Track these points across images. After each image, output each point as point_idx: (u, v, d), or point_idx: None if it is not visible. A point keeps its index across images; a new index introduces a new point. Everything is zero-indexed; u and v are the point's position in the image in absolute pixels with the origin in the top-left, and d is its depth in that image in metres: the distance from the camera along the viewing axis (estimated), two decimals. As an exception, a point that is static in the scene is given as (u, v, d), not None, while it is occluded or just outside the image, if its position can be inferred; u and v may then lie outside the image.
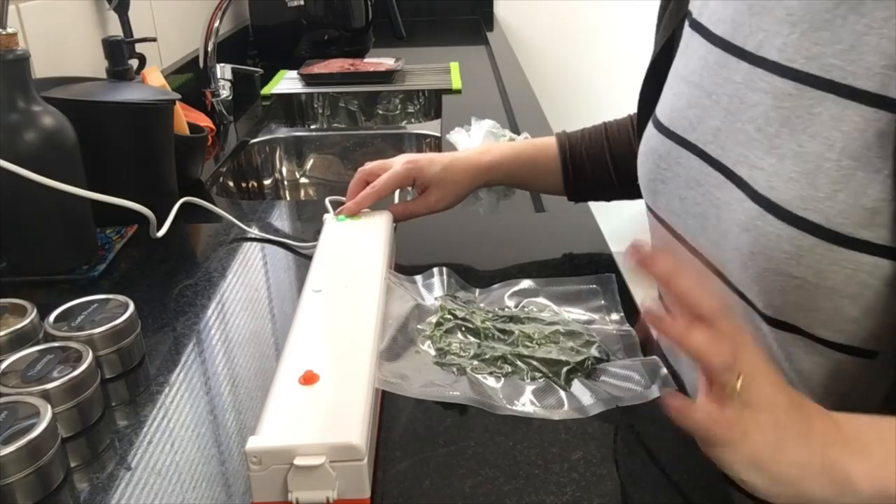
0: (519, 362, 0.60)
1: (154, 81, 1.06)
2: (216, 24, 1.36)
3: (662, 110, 0.60)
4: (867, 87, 0.43)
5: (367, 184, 0.78)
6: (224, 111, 1.38)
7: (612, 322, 0.67)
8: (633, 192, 0.80)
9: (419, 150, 1.38)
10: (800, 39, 0.46)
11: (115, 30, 1.16)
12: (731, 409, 0.41)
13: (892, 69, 0.42)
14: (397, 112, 1.64)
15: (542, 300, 0.70)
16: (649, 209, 0.63)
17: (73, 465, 0.53)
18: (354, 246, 0.71)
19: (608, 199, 0.84)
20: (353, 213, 0.77)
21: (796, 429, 0.41)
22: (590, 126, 0.84)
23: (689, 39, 0.57)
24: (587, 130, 0.83)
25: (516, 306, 0.69)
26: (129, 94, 0.90)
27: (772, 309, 0.49)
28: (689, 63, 0.57)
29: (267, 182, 1.38)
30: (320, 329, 0.58)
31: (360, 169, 0.80)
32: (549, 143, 0.83)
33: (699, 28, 0.56)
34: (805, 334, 0.48)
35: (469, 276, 0.74)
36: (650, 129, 0.61)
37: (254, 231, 0.88)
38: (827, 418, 0.43)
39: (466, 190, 0.80)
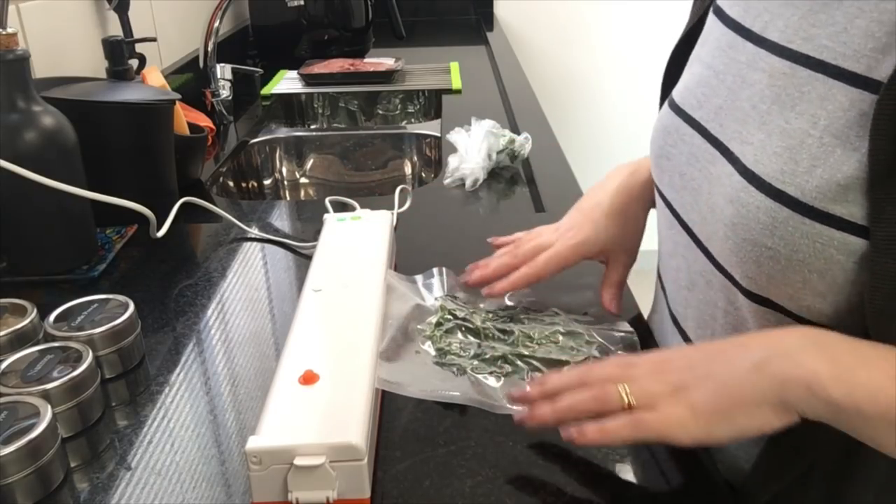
0: (519, 362, 0.60)
1: (154, 81, 1.06)
2: (216, 24, 1.36)
3: (678, 89, 0.62)
4: (854, 69, 0.44)
5: (512, 258, 0.69)
6: (224, 111, 1.38)
7: (612, 322, 0.67)
8: None
9: (419, 151, 1.38)
10: (800, 21, 0.48)
11: (115, 30, 1.16)
12: (654, 403, 0.46)
13: (879, 52, 0.43)
14: (397, 112, 1.64)
15: (541, 300, 0.70)
16: (655, 186, 0.64)
17: (73, 465, 0.53)
18: (354, 246, 0.71)
19: None
20: (502, 294, 0.68)
21: (725, 359, 0.46)
22: None
23: (711, 24, 0.59)
24: None
25: (516, 306, 0.69)
26: (129, 94, 0.90)
27: (747, 280, 0.50)
28: (706, 45, 0.59)
29: (267, 182, 1.38)
30: (320, 329, 0.58)
31: (507, 242, 0.71)
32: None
33: (718, 12, 0.58)
34: (776, 307, 0.49)
35: (469, 276, 0.74)
36: (665, 107, 0.63)
37: (254, 231, 0.88)
38: (771, 332, 0.46)
39: (644, 220, 0.69)
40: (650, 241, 0.69)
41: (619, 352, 0.62)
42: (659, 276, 0.69)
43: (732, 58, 0.54)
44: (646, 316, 0.72)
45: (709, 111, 0.56)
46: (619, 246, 0.69)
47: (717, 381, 0.45)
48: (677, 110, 0.60)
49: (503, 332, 0.64)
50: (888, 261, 0.41)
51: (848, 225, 0.44)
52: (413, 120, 1.63)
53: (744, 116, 0.51)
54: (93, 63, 1.11)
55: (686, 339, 0.61)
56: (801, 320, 0.48)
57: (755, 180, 0.48)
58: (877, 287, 0.42)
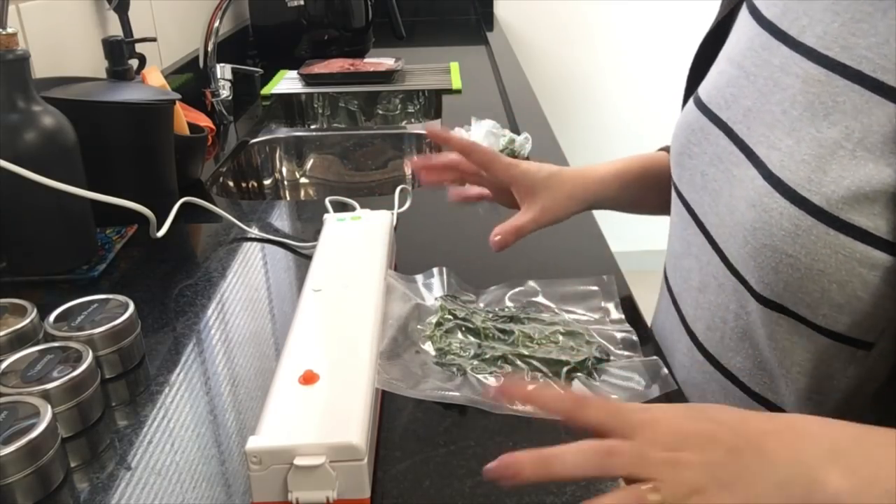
0: (519, 362, 0.60)
1: (154, 81, 1.06)
2: (216, 24, 1.36)
3: (704, 87, 0.61)
4: (892, 83, 0.43)
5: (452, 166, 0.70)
6: (224, 111, 1.38)
7: (612, 322, 0.67)
8: None
9: (419, 151, 1.38)
10: (840, 29, 0.47)
11: (115, 30, 1.16)
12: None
13: None
14: (397, 112, 1.64)
15: (542, 300, 0.70)
16: (673, 184, 0.64)
17: (73, 465, 0.53)
18: (354, 245, 0.71)
19: None
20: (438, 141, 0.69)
21: (749, 470, 0.38)
22: None
23: (743, 21, 0.58)
24: None
25: (516, 307, 0.69)
26: (129, 94, 0.90)
27: (762, 286, 0.50)
28: (737, 44, 0.58)
29: (267, 182, 1.38)
30: (320, 329, 0.58)
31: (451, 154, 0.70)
32: (662, 154, 0.75)
33: (753, 10, 0.57)
34: (791, 314, 0.49)
35: (469, 276, 0.74)
36: (689, 104, 0.63)
37: (254, 231, 0.88)
38: (790, 435, 0.40)
39: (577, 201, 0.70)
40: (656, 241, 0.69)
41: (620, 351, 0.62)
42: (665, 277, 0.69)
43: (766, 60, 0.53)
44: (649, 316, 0.72)
45: (737, 112, 0.55)
46: (550, 199, 0.68)
47: (738, 498, 0.38)
48: (703, 109, 0.59)
49: (503, 332, 0.64)
50: None
51: (872, 238, 0.43)
52: (413, 120, 1.63)
53: (773, 121, 0.51)
54: (93, 63, 1.11)
55: (695, 340, 0.61)
56: (815, 328, 0.47)
57: (780, 186, 0.48)
58: None
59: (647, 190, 0.74)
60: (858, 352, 0.46)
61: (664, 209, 0.72)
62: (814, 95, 0.48)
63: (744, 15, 0.59)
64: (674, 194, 0.64)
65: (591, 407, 0.40)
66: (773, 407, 0.54)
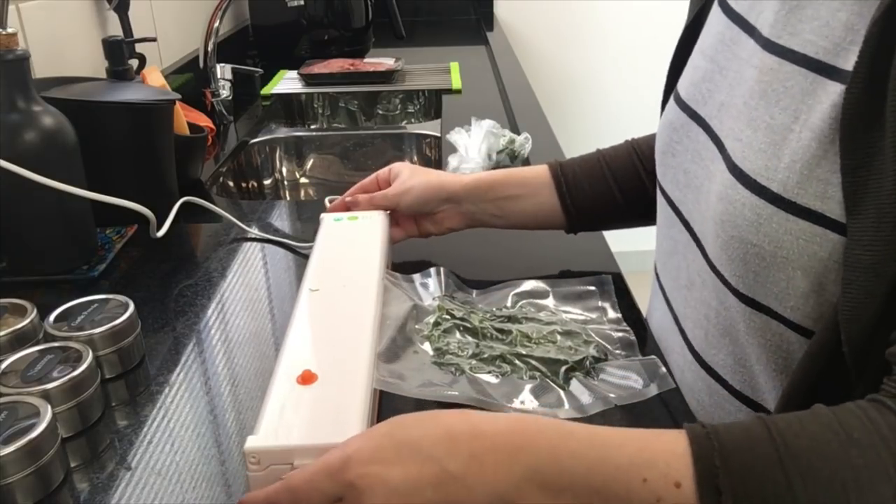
0: (518, 361, 0.60)
1: (154, 81, 1.07)
2: (216, 24, 1.36)
3: (682, 83, 0.62)
4: (833, 62, 0.44)
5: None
6: (224, 111, 1.38)
7: (610, 322, 0.67)
8: (637, 210, 0.74)
9: (419, 151, 1.38)
10: (787, 16, 0.48)
11: (115, 30, 1.16)
12: None
13: (854, 44, 0.43)
14: (397, 112, 1.64)
15: (539, 301, 0.70)
16: (658, 183, 0.64)
17: (73, 465, 0.53)
18: (351, 245, 0.71)
19: (612, 222, 0.77)
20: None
21: (463, 486, 0.40)
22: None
23: (715, 16, 0.59)
24: (578, 156, 0.79)
25: (513, 306, 0.69)
26: (129, 94, 0.90)
27: (735, 279, 0.50)
28: (710, 38, 0.59)
29: (267, 182, 1.38)
30: (318, 328, 0.59)
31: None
32: (536, 166, 0.77)
33: (723, 4, 0.58)
34: (764, 309, 0.49)
35: (466, 276, 0.74)
36: (670, 102, 0.63)
37: (254, 231, 0.88)
38: (499, 461, 0.41)
39: (429, 190, 0.74)
40: (655, 241, 0.69)
41: (618, 351, 0.62)
42: (657, 276, 0.69)
43: (735, 53, 0.54)
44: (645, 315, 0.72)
45: (713, 107, 0.56)
46: (400, 181, 0.75)
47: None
48: (683, 106, 0.60)
49: (501, 331, 0.64)
50: (861, 252, 0.41)
51: (827, 220, 0.44)
52: (413, 120, 1.63)
53: (737, 113, 0.52)
54: (93, 63, 1.11)
55: (685, 337, 0.61)
56: (787, 323, 0.48)
57: (742, 177, 0.49)
58: (851, 280, 0.42)
59: (524, 190, 0.75)
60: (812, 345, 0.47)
61: (545, 215, 0.75)
62: (767, 84, 0.49)
63: (715, 10, 0.59)
64: (658, 193, 0.65)
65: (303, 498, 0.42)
66: (754, 405, 0.54)
